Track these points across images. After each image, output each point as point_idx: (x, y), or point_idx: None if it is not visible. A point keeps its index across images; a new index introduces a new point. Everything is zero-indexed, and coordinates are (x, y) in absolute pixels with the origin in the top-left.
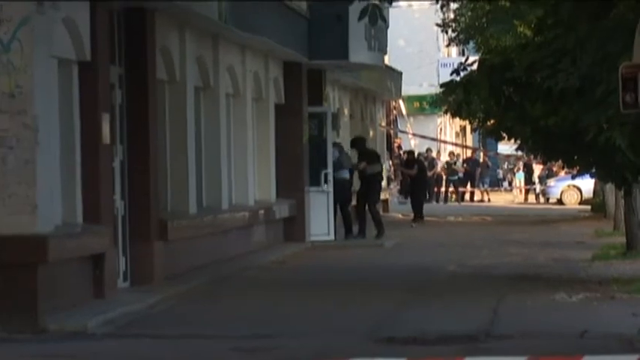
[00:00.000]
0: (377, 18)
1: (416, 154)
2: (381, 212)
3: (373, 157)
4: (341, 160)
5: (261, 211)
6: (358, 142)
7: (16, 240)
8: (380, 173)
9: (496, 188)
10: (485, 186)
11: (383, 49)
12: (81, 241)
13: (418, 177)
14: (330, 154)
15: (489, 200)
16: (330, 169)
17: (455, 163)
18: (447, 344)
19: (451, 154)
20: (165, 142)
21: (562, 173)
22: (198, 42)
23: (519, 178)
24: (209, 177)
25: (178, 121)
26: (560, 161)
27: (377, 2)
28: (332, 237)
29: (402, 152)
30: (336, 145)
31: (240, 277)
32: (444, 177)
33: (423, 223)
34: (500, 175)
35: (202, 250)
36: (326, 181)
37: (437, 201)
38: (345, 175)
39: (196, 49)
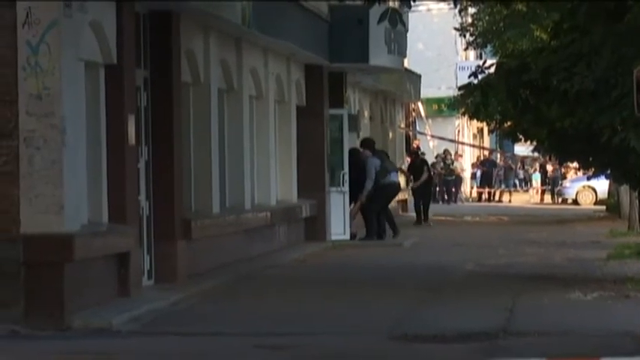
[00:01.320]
0: (397, 20)
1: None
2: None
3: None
4: (385, 166)
5: (283, 211)
6: (368, 144)
7: (43, 239)
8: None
9: (514, 189)
10: (503, 186)
11: (402, 53)
12: (106, 240)
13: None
14: (347, 155)
15: (510, 201)
16: (346, 170)
17: (452, 162)
18: (465, 342)
19: (446, 152)
20: (190, 143)
21: (570, 174)
22: (222, 45)
23: (535, 178)
24: (232, 177)
25: (202, 122)
26: (574, 162)
27: (396, 6)
28: (348, 236)
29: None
30: (377, 152)
31: (262, 275)
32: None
33: (429, 225)
34: (521, 176)
35: (225, 249)
36: (343, 182)
37: (455, 201)
38: (395, 178)
39: (220, 52)
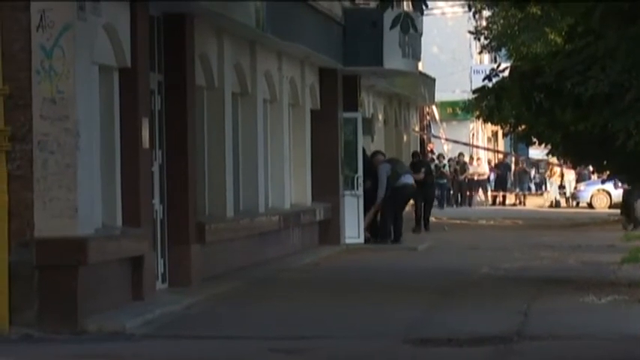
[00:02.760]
0: (409, 26)
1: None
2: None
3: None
4: (396, 169)
5: (297, 215)
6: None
7: (57, 242)
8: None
9: (529, 193)
10: (518, 190)
11: (417, 56)
12: (120, 243)
13: (425, 181)
14: (360, 159)
15: (524, 204)
16: (360, 173)
17: (444, 166)
18: (479, 346)
19: (440, 157)
20: (204, 147)
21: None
22: (236, 49)
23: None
24: (246, 181)
25: (216, 126)
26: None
27: (409, 11)
28: (362, 240)
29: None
30: (390, 161)
31: (276, 279)
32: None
33: (426, 232)
34: (537, 180)
35: (239, 253)
36: (357, 186)
37: (470, 205)
38: (409, 180)
39: (234, 55)
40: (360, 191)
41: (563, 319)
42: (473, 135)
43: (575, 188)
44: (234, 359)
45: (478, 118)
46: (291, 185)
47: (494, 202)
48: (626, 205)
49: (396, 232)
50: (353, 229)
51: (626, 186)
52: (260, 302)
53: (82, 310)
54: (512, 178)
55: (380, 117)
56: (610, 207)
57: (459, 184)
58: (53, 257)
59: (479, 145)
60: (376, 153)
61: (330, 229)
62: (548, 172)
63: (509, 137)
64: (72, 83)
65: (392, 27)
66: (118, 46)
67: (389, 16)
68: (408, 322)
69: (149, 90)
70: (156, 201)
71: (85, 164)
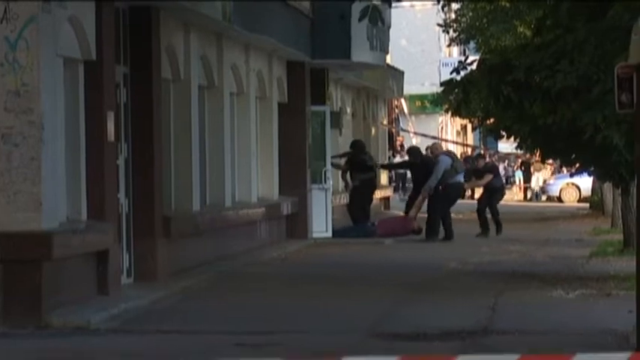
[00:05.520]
0: (377, 18)
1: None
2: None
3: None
4: (455, 166)
5: (264, 209)
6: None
7: (21, 236)
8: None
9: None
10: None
11: (385, 49)
12: (85, 237)
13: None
14: (329, 152)
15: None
16: (328, 166)
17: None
18: (446, 340)
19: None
20: (170, 140)
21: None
22: (203, 41)
23: (518, 176)
24: (213, 174)
25: (183, 119)
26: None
27: (377, 3)
28: (330, 234)
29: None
30: (448, 154)
31: (243, 273)
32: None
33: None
34: (510, 173)
35: (206, 247)
36: (325, 180)
37: None
38: (460, 179)
39: (201, 48)
40: (328, 185)
41: (532, 313)
42: (442, 128)
43: (544, 182)
44: (200, 354)
45: (447, 111)
46: (258, 179)
47: (463, 196)
48: None
49: (447, 230)
50: (321, 223)
51: None
52: (226, 297)
53: (46, 305)
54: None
55: (348, 110)
56: (579, 201)
57: None
58: (17, 251)
59: (448, 139)
60: (358, 143)
61: (297, 223)
62: (515, 166)
63: (478, 131)
64: (36, 76)
65: (360, 19)
66: (83, 38)
67: (357, 8)
68: (376, 317)
69: (115, 83)
70: (121, 194)
71: (49, 157)
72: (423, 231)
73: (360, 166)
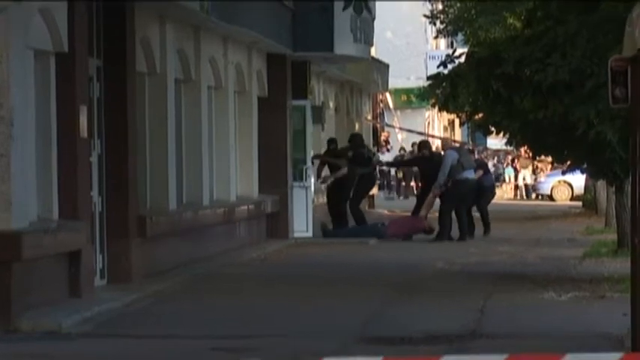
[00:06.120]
0: (362, 8)
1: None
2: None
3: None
4: (461, 161)
5: (244, 207)
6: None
7: None
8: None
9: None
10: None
11: (369, 41)
12: (57, 237)
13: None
14: (310, 149)
15: None
16: (309, 164)
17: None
18: (434, 344)
19: (414, 145)
20: (145, 136)
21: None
22: (180, 33)
23: (509, 173)
24: (190, 172)
25: (158, 114)
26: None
27: None
28: (311, 234)
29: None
30: (459, 150)
31: (221, 274)
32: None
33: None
34: (501, 170)
35: (182, 247)
36: (306, 177)
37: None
38: (471, 175)
39: (177, 40)
40: (309, 182)
41: (522, 316)
42: (428, 124)
43: (535, 179)
44: (175, 359)
45: (433, 106)
46: (237, 176)
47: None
48: None
49: (461, 231)
50: (302, 222)
51: None
52: (203, 299)
53: (15, 308)
54: None
55: (331, 105)
56: (571, 199)
57: (414, 175)
58: None
59: (435, 135)
60: (355, 137)
61: (278, 223)
62: (505, 163)
63: (466, 126)
64: (5, 69)
65: (345, 8)
66: (55, 29)
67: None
68: (360, 320)
69: (87, 76)
70: (94, 193)
71: (19, 154)
72: (435, 231)
73: (359, 160)
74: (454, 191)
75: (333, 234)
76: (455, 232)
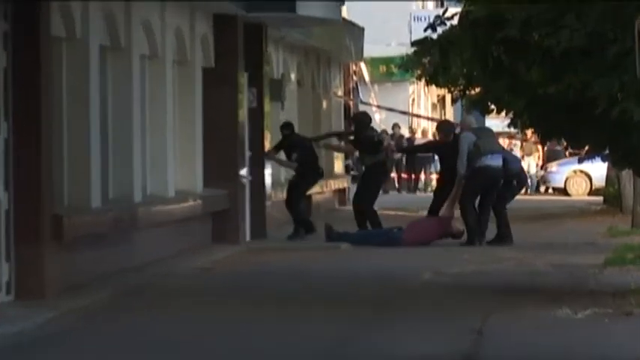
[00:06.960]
0: None
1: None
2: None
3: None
4: (478, 145)
5: (184, 205)
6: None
7: None
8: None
9: None
10: None
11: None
12: None
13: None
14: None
15: None
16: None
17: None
18: None
19: (395, 127)
20: (62, 117)
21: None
22: None
23: None
24: (118, 161)
25: (79, 89)
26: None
27: None
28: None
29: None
30: (477, 131)
31: (155, 288)
32: None
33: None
34: None
35: (108, 254)
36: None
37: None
38: (493, 161)
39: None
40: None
41: (528, 339)
42: (413, 101)
43: (544, 169)
44: None
45: (419, 78)
46: (177, 166)
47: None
48: None
49: (499, 230)
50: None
51: None
52: (133, 319)
53: None
54: None
55: (292, 77)
56: (590, 193)
57: (395, 164)
58: None
59: (421, 114)
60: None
61: (227, 224)
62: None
63: (459, 103)
64: None
65: None
66: None
67: None
68: (329, 344)
69: None
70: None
71: None
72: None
73: (367, 145)
74: (472, 182)
75: (338, 237)
76: (490, 232)
